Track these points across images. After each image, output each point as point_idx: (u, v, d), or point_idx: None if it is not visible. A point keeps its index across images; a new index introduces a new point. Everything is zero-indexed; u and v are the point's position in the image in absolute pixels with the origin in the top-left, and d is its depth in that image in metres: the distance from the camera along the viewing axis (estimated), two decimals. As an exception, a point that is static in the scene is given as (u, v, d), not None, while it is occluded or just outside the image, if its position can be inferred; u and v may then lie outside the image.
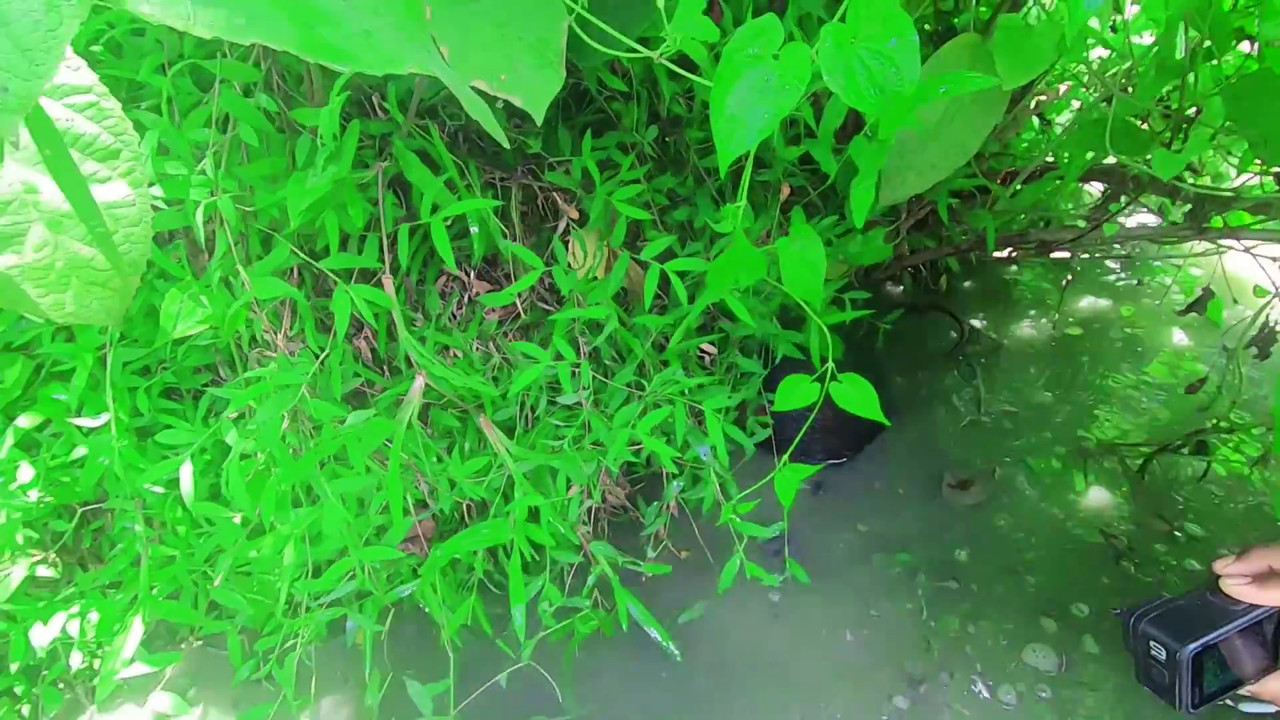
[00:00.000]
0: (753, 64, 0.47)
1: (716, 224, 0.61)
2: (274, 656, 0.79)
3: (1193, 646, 0.51)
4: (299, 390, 0.62)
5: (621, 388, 0.82)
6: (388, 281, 0.62)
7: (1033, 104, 1.07)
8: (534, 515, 0.77)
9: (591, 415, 0.78)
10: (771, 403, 0.95)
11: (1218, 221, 0.82)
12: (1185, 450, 0.93)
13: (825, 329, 0.65)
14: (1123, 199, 0.87)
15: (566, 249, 0.79)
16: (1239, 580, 0.53)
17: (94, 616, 0.80)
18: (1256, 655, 0.53)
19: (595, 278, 0.81)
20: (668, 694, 0.85)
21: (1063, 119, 1.10)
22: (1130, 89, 0.83)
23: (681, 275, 0.72)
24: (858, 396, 0.63)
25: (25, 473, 0.73)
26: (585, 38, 0.50)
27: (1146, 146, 0.80)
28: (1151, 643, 0.54)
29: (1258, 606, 0.52)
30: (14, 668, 0.79)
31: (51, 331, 0.71)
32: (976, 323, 1.31)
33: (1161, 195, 0.92)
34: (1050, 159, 1.01)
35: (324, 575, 0.67)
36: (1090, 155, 0.89)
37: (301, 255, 0.60)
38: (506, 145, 0.43)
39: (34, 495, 0.73)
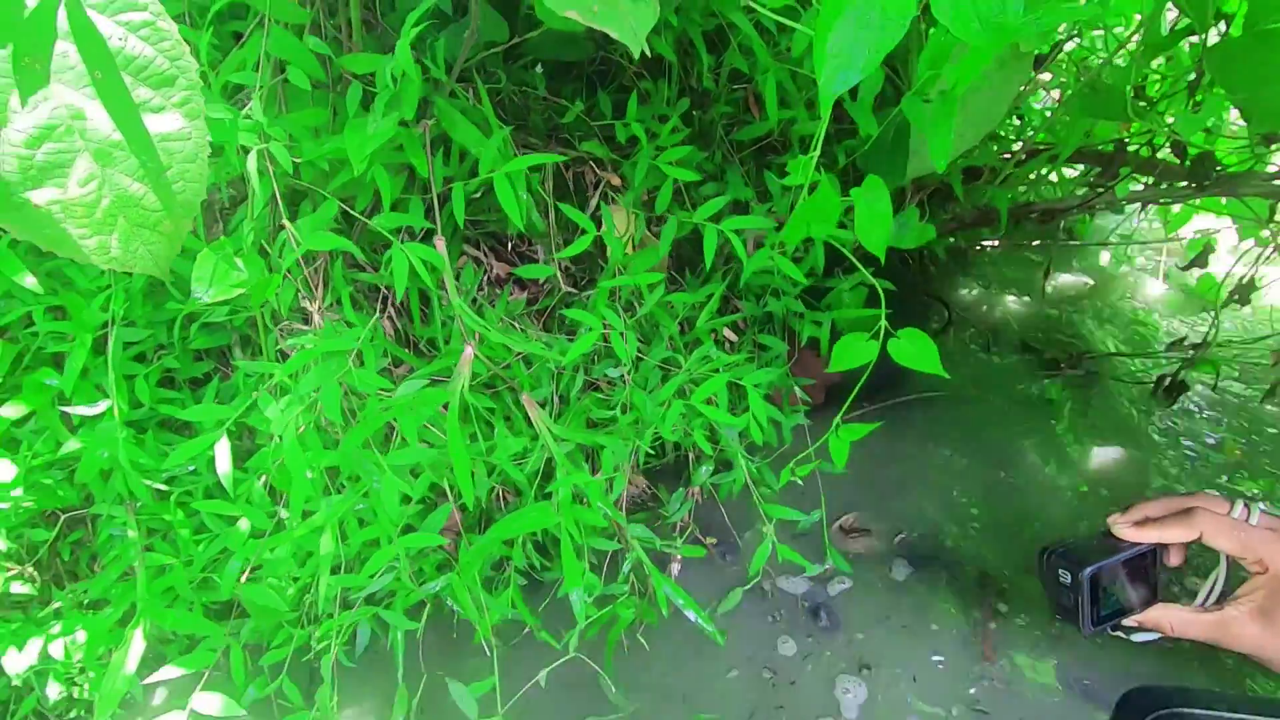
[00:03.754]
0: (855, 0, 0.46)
1: (783, 179, 0.60)
2: (284, 673, 0.72)
3: (1090, 569, 0.65)
4: (346, 361, 0.57)
5: (656, 366, 0.80)
6: (440, 242, 0.58)
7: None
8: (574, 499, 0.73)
9: (634, 392, 0.75)
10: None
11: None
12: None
13: (879, 285, 0.65)
14: (1122, 170, 0.91)
15: (598, 227, 0.76)
16: (1123, 525, 0.67)
17: (80, 636, 0.71)
18: (1140, 590, 0.67)
19: (627, 254, 0.79)
20: (713, 684, 0.82)
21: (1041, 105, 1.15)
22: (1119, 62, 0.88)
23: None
24: (916, 351, 0.63)
25: (6, 472, 0.64)
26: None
27: (1141, 113, 0.84)
28: (1060, 570, 0.67)
29: (1140, 544, 0.66)
30: None
31: (44, 309, 0.64)
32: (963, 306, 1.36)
33: (1147, 173, 0.97)
34: (1040, 147, 1.05)
35: (365, 566, 0.62)
36: (1084, 131, 0.93)
37: (351, 214, 0.56)
38: (641, 54, 0.41)
39: (16, 493, 0.65)
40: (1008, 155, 1.03)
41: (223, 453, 0.56)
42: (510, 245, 0.87)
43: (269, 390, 0.57)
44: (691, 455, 0.90)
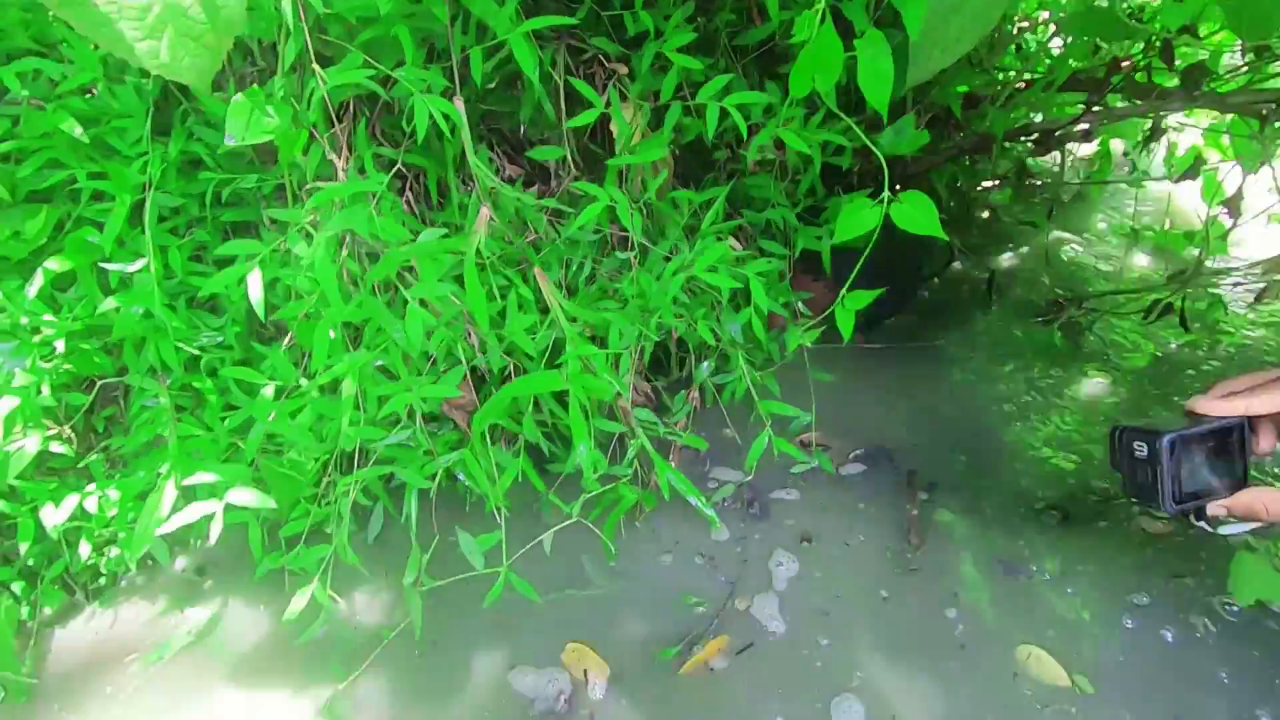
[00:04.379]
0: None
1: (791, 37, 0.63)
2: (300, 544, 0.76)
3: (1170, 435, 0.57)
4: (369, 207, 0.61)
5: (662, 258, 0.83)
6: (459, 101, 0.62)
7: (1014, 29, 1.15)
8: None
9: (641, 275, 0.79)
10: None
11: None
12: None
13: (883, 159, 0.68)
14: (1114, 81, 0.94)
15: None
16: (1205, 400, 0.59)
17: (113, 494, 0.75)
18: (1227, 471, 0.59)
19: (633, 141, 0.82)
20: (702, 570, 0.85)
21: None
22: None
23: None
24: (919, 215, 0.66)
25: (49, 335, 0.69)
26: None
27: (1133, 32, 0.87)
28: (1135, 443, 0.60)
29: (1225, 418, 0.58)
30: (23, 549, 0.73)
31: (87, 172, 0.68)
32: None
33: (1142, 96, 1.00)
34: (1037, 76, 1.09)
35: (386, 405, 0.65)
36: (1082, 55, 0.96)
37: (374, 65, 0.60)
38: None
39: (60, 347, 0.69)
40: (1004, 85, 1.06)
41: (255, 281, 0.59)
42: (523, 151, 0.90)
43: (298, 234, 0.61)
44: (693, 359, 0.94)
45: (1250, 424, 0.59)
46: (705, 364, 0.92)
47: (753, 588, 0.80)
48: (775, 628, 0.76)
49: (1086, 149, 1.59)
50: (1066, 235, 1.53)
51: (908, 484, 0.91)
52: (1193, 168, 0.96)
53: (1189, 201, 1.45)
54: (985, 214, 1.55)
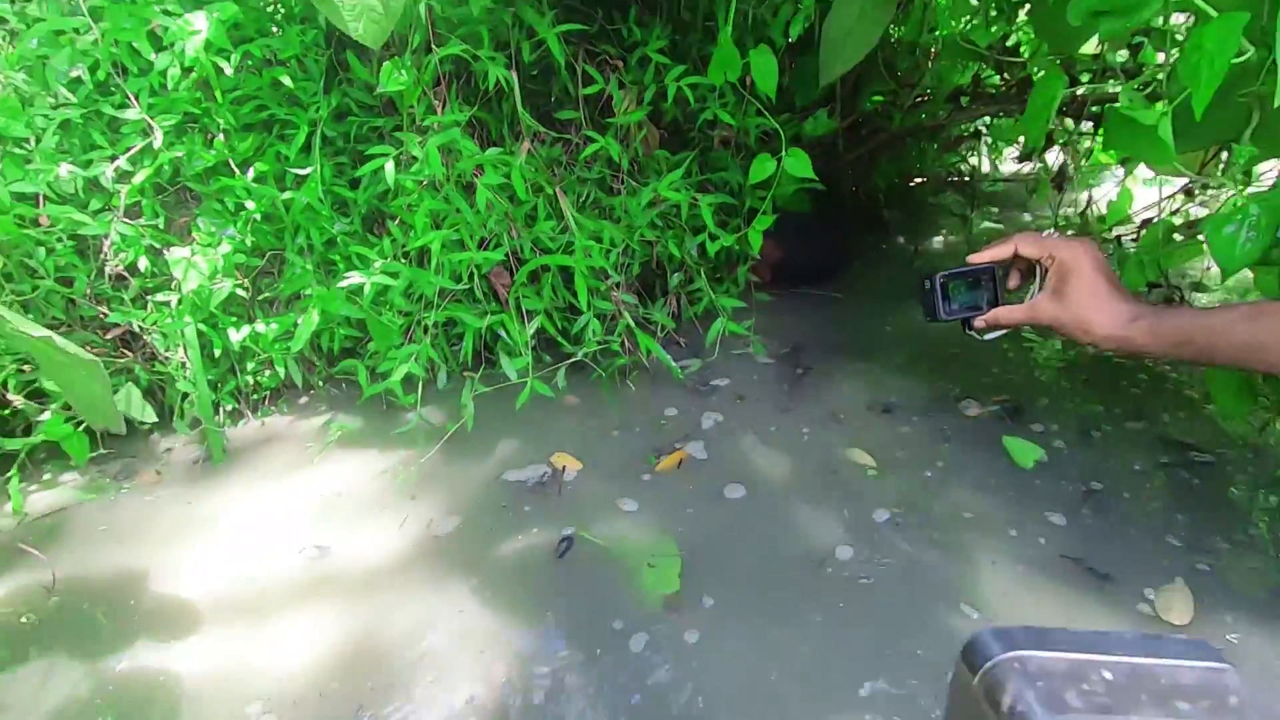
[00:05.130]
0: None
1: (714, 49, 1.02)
2: (393, 373, 1.13)
3: (941, 275, 0.92)
4: (456, 132, 1.00)
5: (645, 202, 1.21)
6: (513, 72, 1.02)
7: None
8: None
9: (628, 199, 1.17)
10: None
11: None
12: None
13: (777, 123, 1.06)
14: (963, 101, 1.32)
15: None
16: (973, 256, 0.90)
17: (272, 327, 1.13)
18: (984, 297, 0.92)
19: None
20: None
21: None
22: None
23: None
24: (798, 163, 1.04)
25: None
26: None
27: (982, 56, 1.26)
28: (925, 280, 0.93)
29: (984, 263, 0.90)
30: (216, 353, 1.12)
31: (284, 112, 1.09)
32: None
33: (991, 102, 1.38)
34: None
35: (458, 264, 1.03)
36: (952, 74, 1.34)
37: (467, 48, 1.00)
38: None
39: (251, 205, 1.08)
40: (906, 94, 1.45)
41: (389, 168, 0.99)
42: (554, 127, 1.30)
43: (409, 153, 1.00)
44: (668, 270, 1.31)
45: (1005, 268, 0.91)
46: (676, 275, 1.29)
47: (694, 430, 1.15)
48: (698, 454, 1.10)
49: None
50: (995, 226, 1.89)
51: (794, 364, 1.27)
52: (1033, 151, 1.32)
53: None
54: (935, 205, 1.92)
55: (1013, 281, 0.92)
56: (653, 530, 0.93)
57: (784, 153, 1.04)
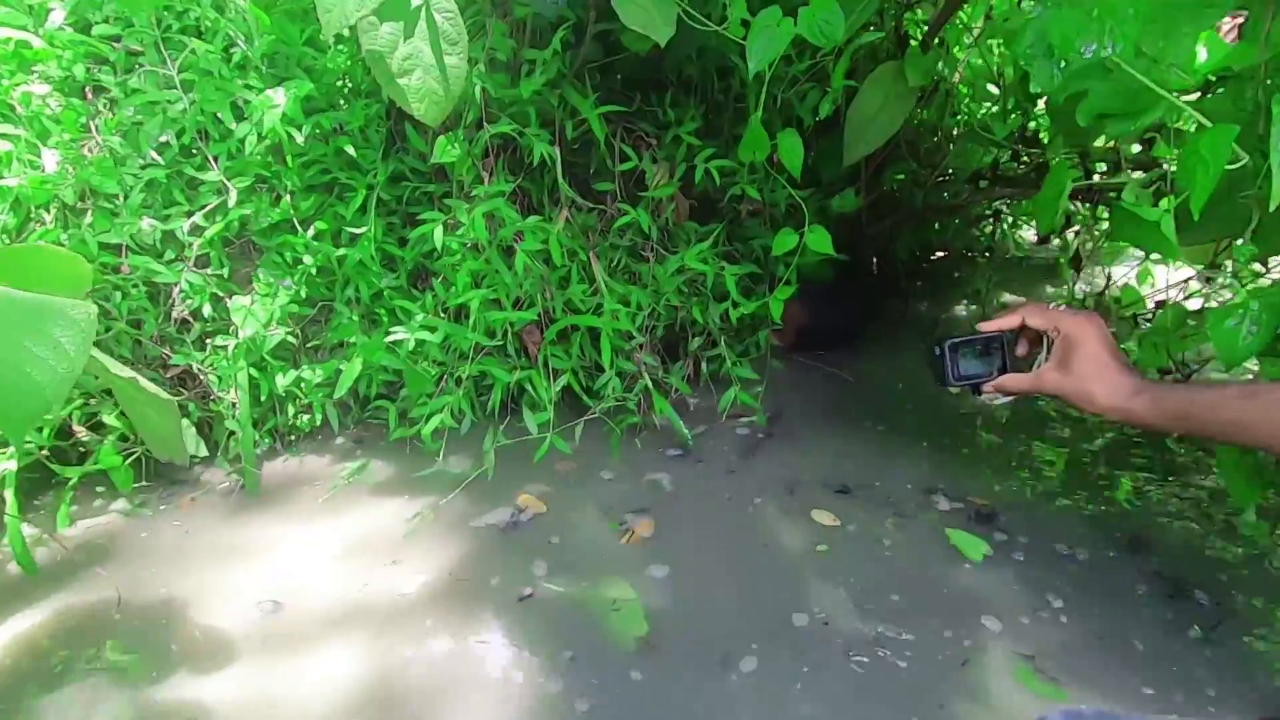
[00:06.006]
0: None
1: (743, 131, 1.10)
2: (422, 421, 1.20)
3: (950, 341, 0.94)
4: (501, 202, 1.09)
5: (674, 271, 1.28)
6: (556, 149, 1.11)
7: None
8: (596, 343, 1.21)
9: (656, 268, 1.24)
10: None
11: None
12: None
13: (802, 198, 1.13)
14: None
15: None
16: (981, 325, 0.92)
17: (318, 373, 1.21)
18: (992, 364, 0.93)
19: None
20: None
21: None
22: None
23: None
24: (818, 239, 1.10)
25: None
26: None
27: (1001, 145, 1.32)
28: (935, 347, 0.95)
29: (988, 333, 0.92)
30: (262, 396, 1.19)
31: (344, 176, 1.18)
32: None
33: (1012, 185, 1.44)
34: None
35: (493, 322, 1.10)
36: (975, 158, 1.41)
37: (516, 125, 1.09)
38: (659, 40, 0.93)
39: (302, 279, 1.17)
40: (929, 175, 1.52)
41: (438, 233, 1.07)
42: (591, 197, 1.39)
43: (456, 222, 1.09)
44: (690, 334, 1.36)
45: (1013, 337, 0.92)
46: (697, 339, 1.35)
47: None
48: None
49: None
50: (1016, 298, 1.93)
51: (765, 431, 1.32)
52: (1051, 233, 1.37)
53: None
54: (955, 279, 1.97)
55: (1021, 350, 0.93)
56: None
57: (807, 227, 1.10)
